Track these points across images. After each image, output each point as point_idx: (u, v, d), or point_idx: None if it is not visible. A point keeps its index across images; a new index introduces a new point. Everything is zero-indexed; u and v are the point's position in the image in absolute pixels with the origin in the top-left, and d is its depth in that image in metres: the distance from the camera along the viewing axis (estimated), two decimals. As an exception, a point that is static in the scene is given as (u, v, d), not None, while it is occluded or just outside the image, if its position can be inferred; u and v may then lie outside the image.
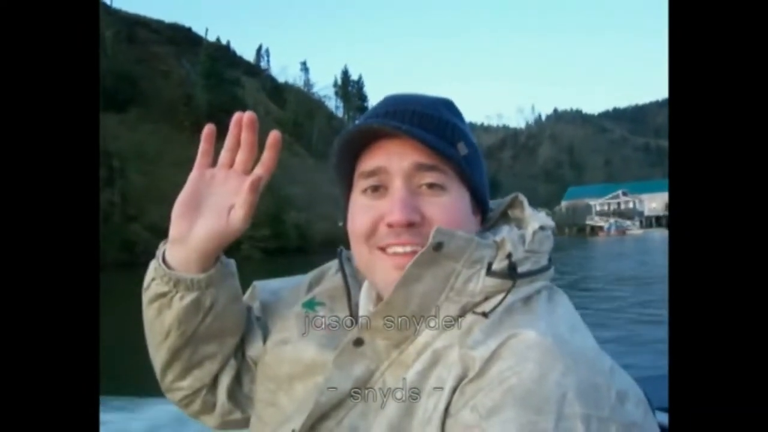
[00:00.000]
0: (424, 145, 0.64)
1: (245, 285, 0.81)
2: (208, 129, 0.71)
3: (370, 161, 0.67)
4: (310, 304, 0.77)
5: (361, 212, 0.68)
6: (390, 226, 0.65)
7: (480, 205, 0.71)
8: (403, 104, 0.68)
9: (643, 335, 7.33)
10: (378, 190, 0.67)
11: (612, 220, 62.78)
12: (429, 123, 0.66)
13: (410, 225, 0.64)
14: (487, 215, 0.74)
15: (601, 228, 59.28)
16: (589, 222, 62.99)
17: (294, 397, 0.69)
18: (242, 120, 0.69)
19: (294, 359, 0.71)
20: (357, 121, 0.70)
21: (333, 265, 0.84)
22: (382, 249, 0.66)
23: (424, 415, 0.57)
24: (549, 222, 0.68)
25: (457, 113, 0.72)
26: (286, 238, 35.35)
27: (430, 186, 0.66)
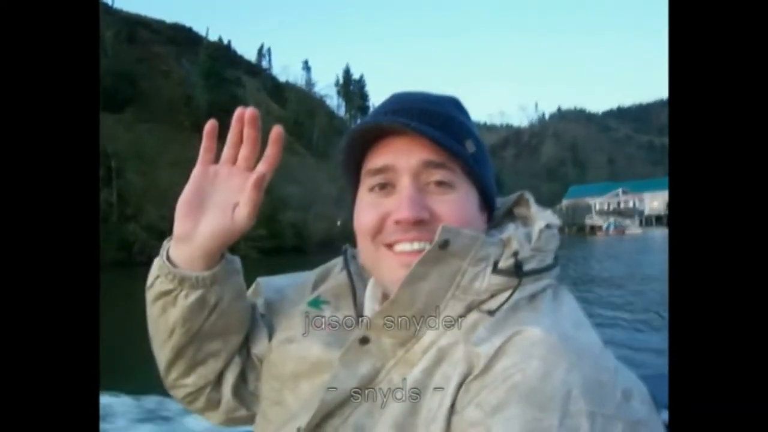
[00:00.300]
0: (433, 143, 0.63)
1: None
2: (210, 125, 0.70)
3: (378, 159, 0.67)
4: (316, 303, 0.77)
5: (368, 209, 0.68)
6: (398, 223, 0.64)
7: (487, 203, 0.72)
8: (410, 102, 0.68)
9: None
10: (385, 187, 0.67)
11: (611, 219, 62.57)
12: (437, 120, 0.66)
13: (418, 222, 0.64)
14: (493, 213, 0.74)
15: (599, 227, 59.14)
16: (588, 221, 62.82)
17: (299, 395, 0.69)
18: (244, 115, 0.68)
19: (299, 357, 0.71)
20: (364, 119, 0.71)
21: (338, 263, 0.84)
22: (389, 246, 0.66)
23: (429, 412, 0.57)
24: (555, 220, 0.68)
25: (463, 111, 0.73)
26: (283, 238, 35.50)
27: (438, 184, 0.65)
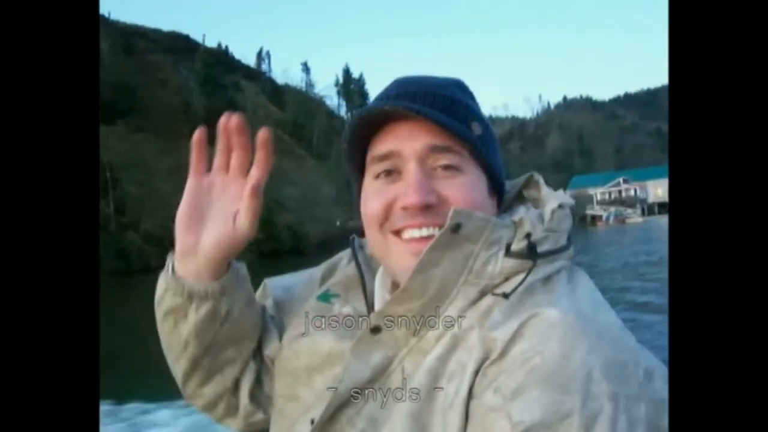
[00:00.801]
0: (438, 127, 0.62)
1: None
2: (198, 134, 0.68)
3: (382, 145, 0.66)
4: (325, 297, 0.77)
5: (374, 196, 0.67)
6: (405, 209, 0.64)
7: (496, 187, 0.70)
8: (413, 86, 0.67)
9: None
10: (391, 174, 0.66)
11: (612, 209, 62.00)
12: (441, 104, 0.65)
13: (426, 207, 0.63)
14: (503, 197, 0.73)
15: (600, 217, 58.62)
16: (588, 211, 62.28)
17: (313, 389, 0.69)
18: (228, 125, 0.66)
19: (311, 351, 0.71)
20: (367, 105, 0.70)
21: (345, 255, 0.83)
22: (397, 233, 0.65)
23: (446, 399, 0.56)
24: (568, 200, 0.67)
25: (468, 93, 0.71)
26: (280, 241, 35.83)
27: (446, 168, 0.64)
